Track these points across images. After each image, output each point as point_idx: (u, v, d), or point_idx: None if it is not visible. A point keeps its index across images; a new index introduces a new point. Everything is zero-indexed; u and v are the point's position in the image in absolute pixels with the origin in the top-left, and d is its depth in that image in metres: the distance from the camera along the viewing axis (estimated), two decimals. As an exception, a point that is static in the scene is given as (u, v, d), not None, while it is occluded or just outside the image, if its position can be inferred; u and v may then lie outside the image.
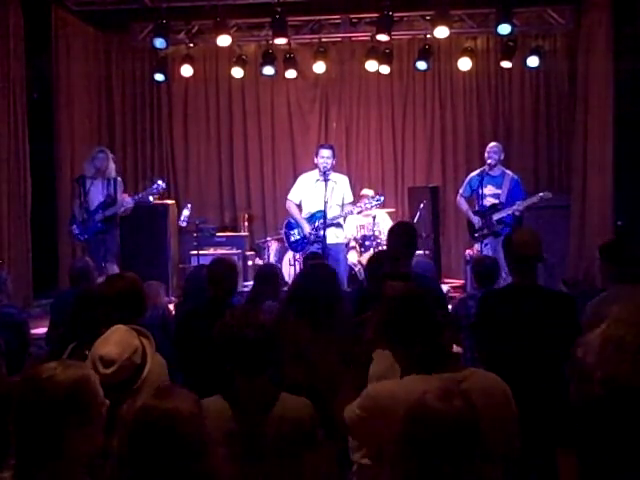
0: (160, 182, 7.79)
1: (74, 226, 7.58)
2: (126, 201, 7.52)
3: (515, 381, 2.57)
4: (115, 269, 7.40)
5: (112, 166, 7.72)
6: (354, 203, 7.82)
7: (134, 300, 3.21)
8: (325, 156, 7.33)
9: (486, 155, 7.63)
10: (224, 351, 2.58)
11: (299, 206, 7.65)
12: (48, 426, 1.81)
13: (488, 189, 7.46)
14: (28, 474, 1.80)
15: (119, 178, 7.73)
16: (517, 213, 7.39)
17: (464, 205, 7.80)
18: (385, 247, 8.23)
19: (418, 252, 7.94)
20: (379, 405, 2.38)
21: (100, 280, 6.92)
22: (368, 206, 7.86)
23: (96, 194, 7.54)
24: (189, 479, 1.74)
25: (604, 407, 1.92)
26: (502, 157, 7.71)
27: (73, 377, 1.86)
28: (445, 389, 1.89)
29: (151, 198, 9.10)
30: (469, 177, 7.86)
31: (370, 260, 4.47)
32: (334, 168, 7.60)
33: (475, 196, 7.64)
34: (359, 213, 8.00)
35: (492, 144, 7.82)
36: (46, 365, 1.90)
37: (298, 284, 4.08)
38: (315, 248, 7.31)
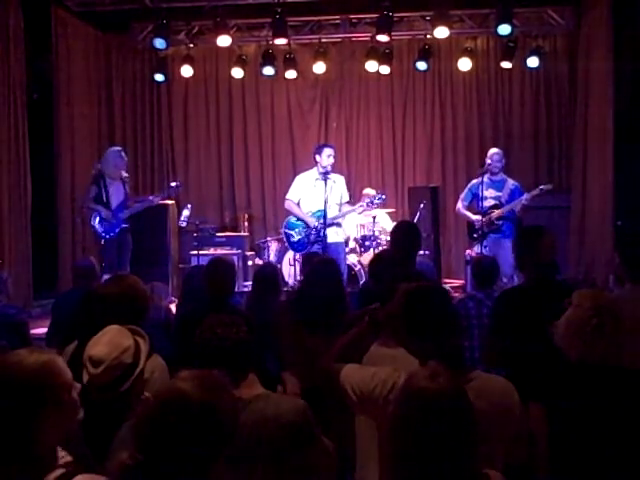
0: (173, 184, 8.21)
1: (98, 224, 7.49)
2: (149, 200, 7.80)
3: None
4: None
5: None
6: (353, 203, 7.83)
7: (133, 304, 3.19)
8: (331, 155, 7.44)
9: (489, 162, 7.57)
10: (205, 352, 2.69)
11: (297, 205, 7.68)
12: (16, 411, 1.83)
13: (489, 192, 7.47)
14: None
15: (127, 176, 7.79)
16: (525, 202, 7.37)
17: (463, 212, 7.79)
18: (386, 247, 8.33)
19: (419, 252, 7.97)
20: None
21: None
22: (370, 205, 7.88)
23: (117, 194, 7.55)
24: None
25: (571, 374, 2.46)
26: (503, 163, 7.72)
27: (38, 361, 1.88)
28: (431, 370, 1.91)
29: (151, 198, 9.14)
30: (470, 183, 7.84)
31: (373, 260, 4.44)
32: (332, 168, 7.64)
33: (475, 201, 7.64)
34: (361, 213, 8.01)
35: (495, 151, 7.75)
36: (14, 352, 1.94)
37: (304, 285, 4.10)
38: (316, 248, 7.33)
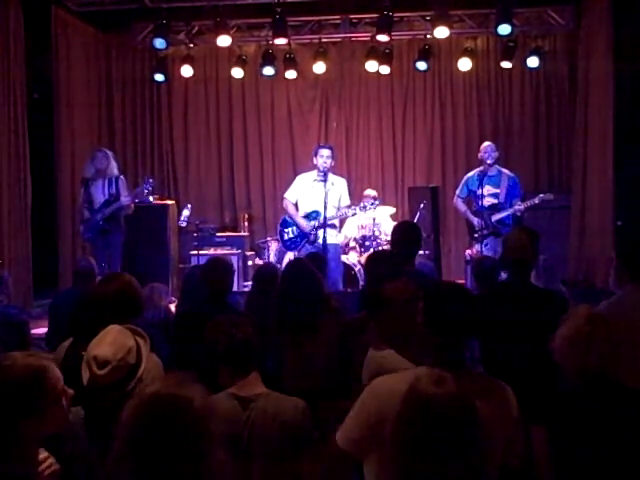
0: (150, 180, 7.91)
1: (81, 226, 7.67)
2: (122, 199, 7.56)
3: (512, 381, 2.56)
4: None
5: (113, 165, 7.74)
6: (349, 206, 7.82)
7: (128, 300, 3.22)
8: (325, 155, 7.34)
9: (483, 155, 7.60)
10: (213, 349, 2.72)
11: (295, 205, 7.67)
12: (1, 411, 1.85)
13: (487, 189, 7.47)
14: None
15: (122, 177, 7.75)
16: (518, 213, 7.42)
17: (462, 206, 7.82)
18: (386, 247, 8.32)
19: (419, 252, 7.96)
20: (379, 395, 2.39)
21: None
22: (363, 210, 7.85)
23: (98, 194, 7.57)
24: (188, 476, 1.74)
25: (571, 390, 2.45)
26: (497, 156, 7.73)
27: (28, 367, 1.90)
28: (437, 375, 1.91)
29: (151, 198, 9.14)
30: (465, 177, 7.88)
31: (367, 260, 4.44)
32: (333, 170, 7.61)
33: (473, 197, 7.65)
34: (354, 215, 7.99)
35: (487, 144, 7.81)
36: (8, 354, 1.96)
37: (281, 286, 4.12)
38: (313, 248, 7.31)
